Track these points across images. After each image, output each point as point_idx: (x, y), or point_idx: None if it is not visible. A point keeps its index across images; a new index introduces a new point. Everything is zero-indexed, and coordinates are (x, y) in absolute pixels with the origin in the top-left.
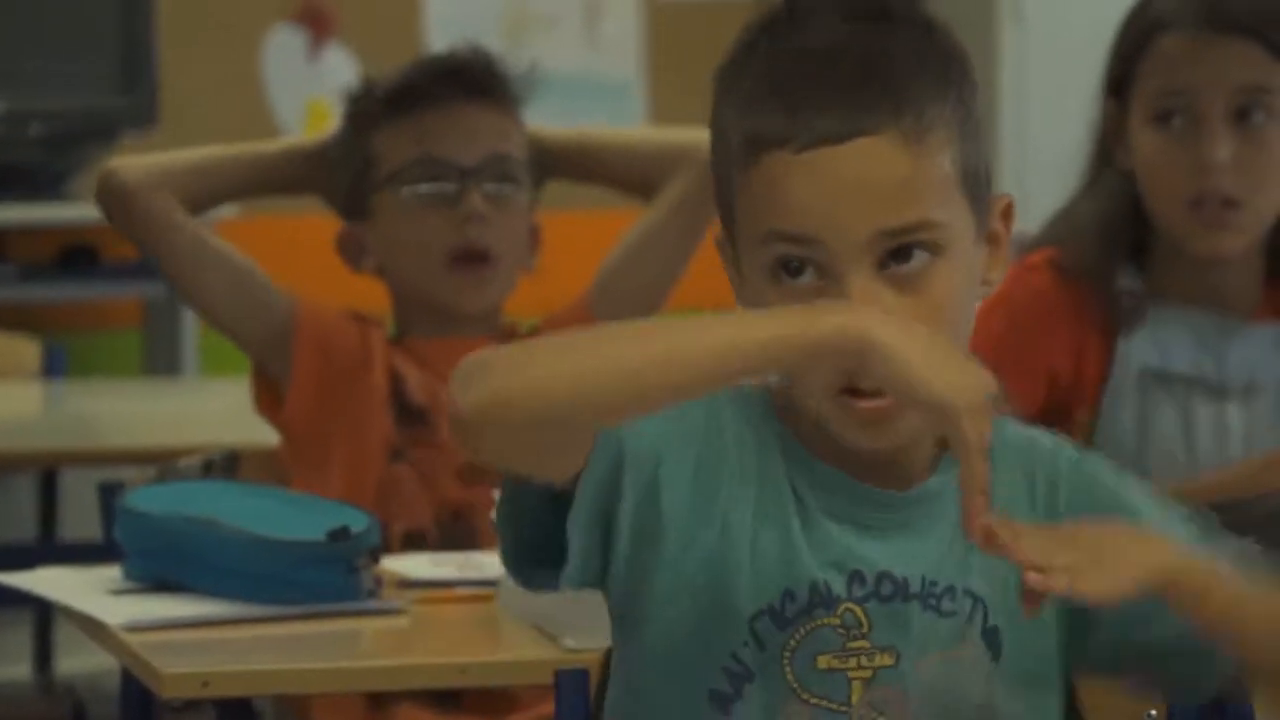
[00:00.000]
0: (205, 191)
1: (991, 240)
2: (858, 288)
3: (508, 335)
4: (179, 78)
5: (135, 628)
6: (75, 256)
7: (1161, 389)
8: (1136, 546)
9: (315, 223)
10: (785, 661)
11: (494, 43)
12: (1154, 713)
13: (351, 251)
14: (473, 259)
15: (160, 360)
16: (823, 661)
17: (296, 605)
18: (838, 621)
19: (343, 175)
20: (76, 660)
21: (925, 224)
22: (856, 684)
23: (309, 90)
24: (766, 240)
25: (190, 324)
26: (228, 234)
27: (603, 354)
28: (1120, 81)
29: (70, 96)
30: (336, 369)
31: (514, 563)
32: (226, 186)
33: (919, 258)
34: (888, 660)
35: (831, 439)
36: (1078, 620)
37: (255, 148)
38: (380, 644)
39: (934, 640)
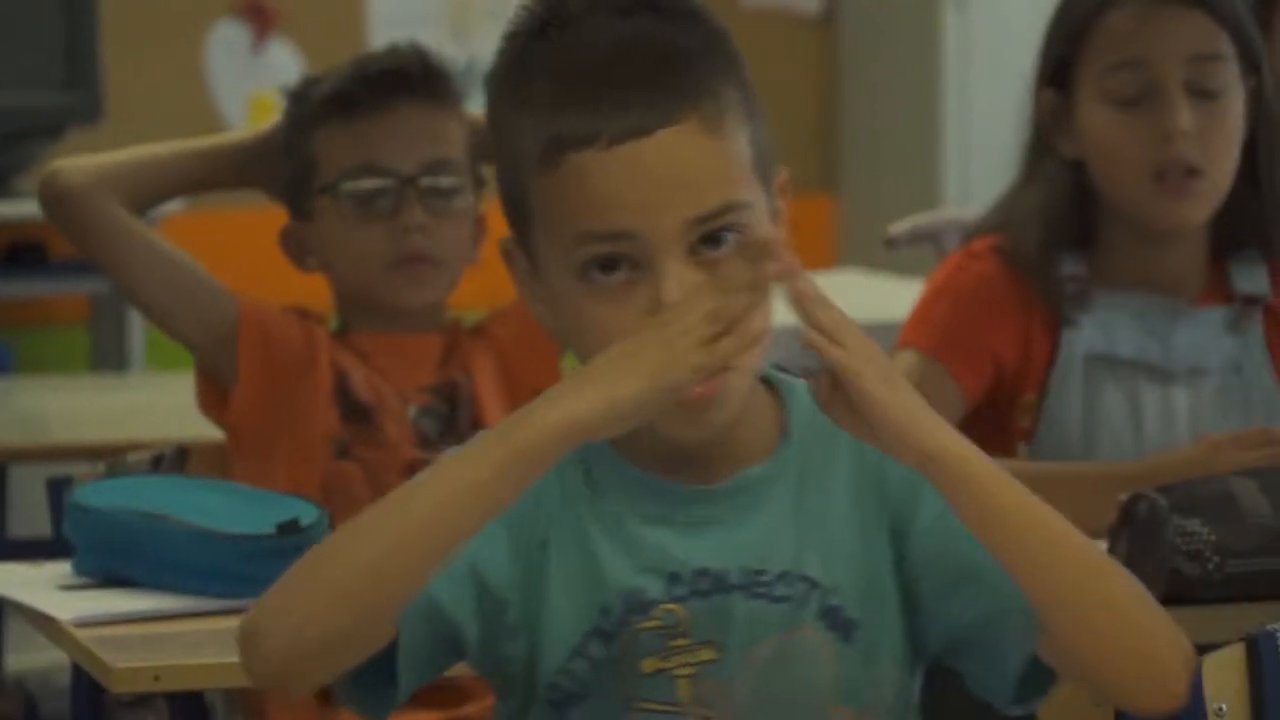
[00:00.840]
0: (148, 191)
1: (775, 215)
2: (673, 276)
3: (452, 331)
4: (124, 74)
5: (85, 623)
6: (22, 253)
7: (1108, 373)
8: (922, 416)
9: (260, 216)
10: (615, 674)
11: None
12: None
13: (294, 250)
14: (413, 261)
15: (108, 356)
16: (648, 665)
17: (247, 599)
18: (657, 623)
19: (285, 173)
20: (27, 656)
21: (732, 206)
22: (683, 682)
23: (253, 85)
24: (577, 241)
25: (137, 320)
26: (172, 229)
27: (362, 556)
28: (1060, 68)
29: (15, 94)
30: (280, 366)
31: (349, 697)
32: (169, 184)
33: (729, 241)
34: (710, 654)
35: (642, 440)
36: (907, 603)
37: (196, 144)
38: None
39: (763, 628)
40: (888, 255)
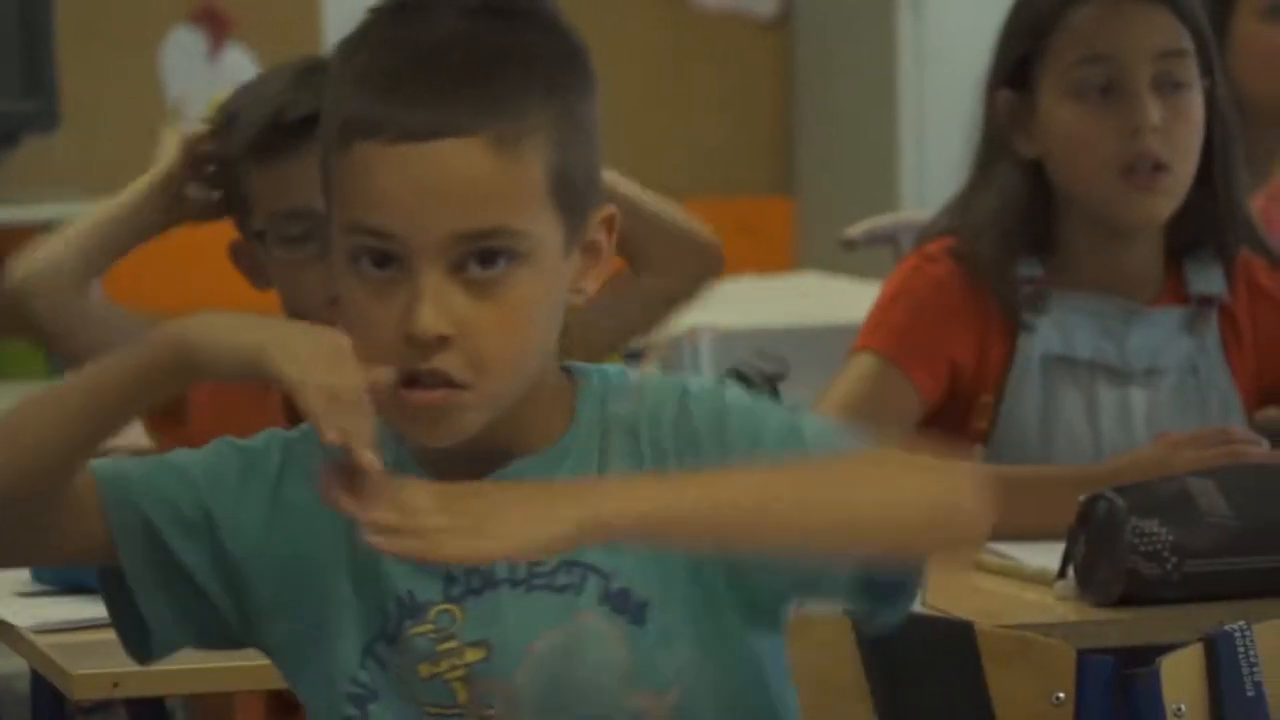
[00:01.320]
0: (95, 266)
1: (589, 249)
2: (429, 287)
3: None
4: (80, 80)
5: (44, 629)
6: None
7: (1065, 374)
8: (544, 505)
9: (214, 224)
10: (399, 679)
11: None
12: (1061, 695)
13: (247, 267)
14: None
15: (65, 364)
16: (423, 670)
17: None
18: (430, 627)
19: (221, 196)
20: None
21: (504, 231)
22: (456, 685)
23: (210, 91)
24: (350, 229)
25: None
26: None
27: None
28: (1019, 66)
29: None
30: (233, 391)
31: (124, 644)
32: (114, 252)
33: (500, 265)
34: (479, 654)
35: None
36: (730, 571)
37: (125, 201)
38: None
39: (541, 619)
40: (846, 257)
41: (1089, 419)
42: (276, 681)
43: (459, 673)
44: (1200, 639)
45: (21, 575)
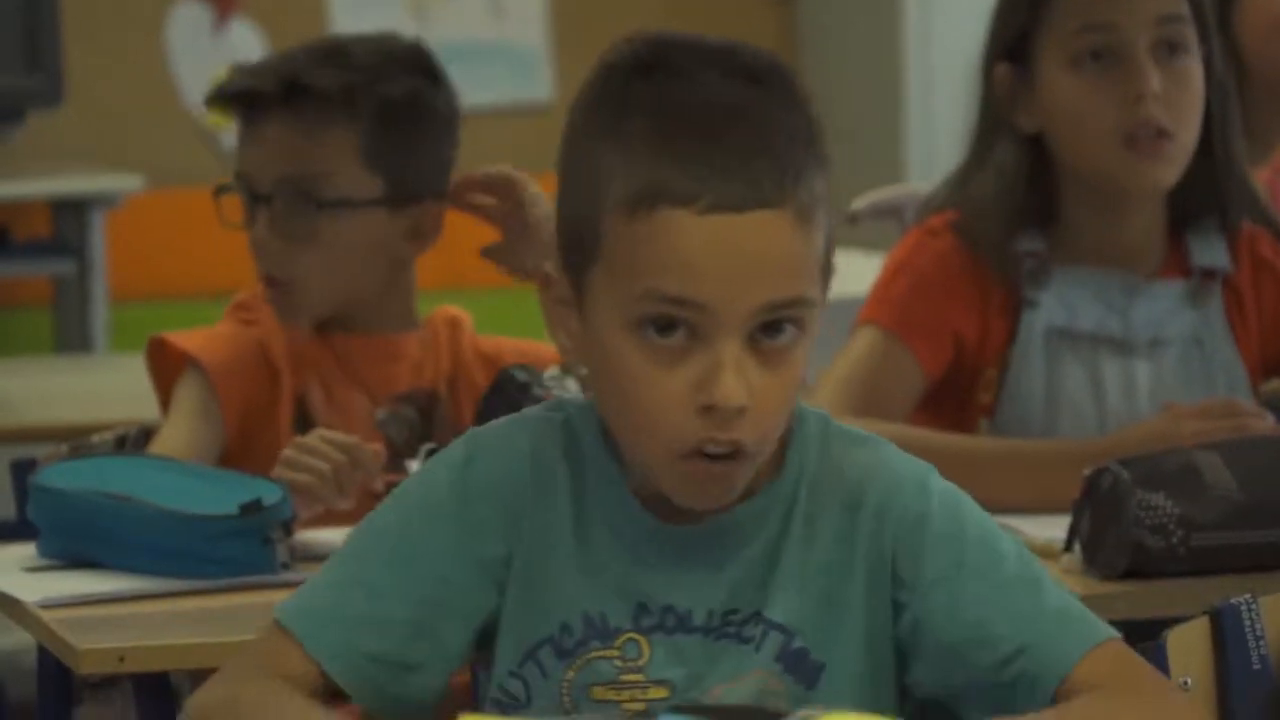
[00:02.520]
0: None
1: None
2: (732, 355)
3: (433, 331)
4: (84, 56)
5: (51, 604)
6: None
7: (1068, 348)
8: None
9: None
10: (564, 693)
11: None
12: None
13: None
14: (268, 282)
15: (71, 338)
16: (597, 693)
17: (211, 579)
18: (616, 653)
19: None
20: None
21: (802, 301)
22: (633, 717)
23: (214, 65)
24: (645, 296)
25: (101, 301)
26: (134, 210)
27: None
28: (1017, 39)
29: None
30: (249, 414)
31: None
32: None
33: (787, 333)
34: (662, 693)
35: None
36: (903, 650)
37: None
38: None
39: (718, 670)
40: (850, 230)
41: (1093, 392)
42: None
43: (639, 705)
44: (1206, 612)
45: (27, 550)
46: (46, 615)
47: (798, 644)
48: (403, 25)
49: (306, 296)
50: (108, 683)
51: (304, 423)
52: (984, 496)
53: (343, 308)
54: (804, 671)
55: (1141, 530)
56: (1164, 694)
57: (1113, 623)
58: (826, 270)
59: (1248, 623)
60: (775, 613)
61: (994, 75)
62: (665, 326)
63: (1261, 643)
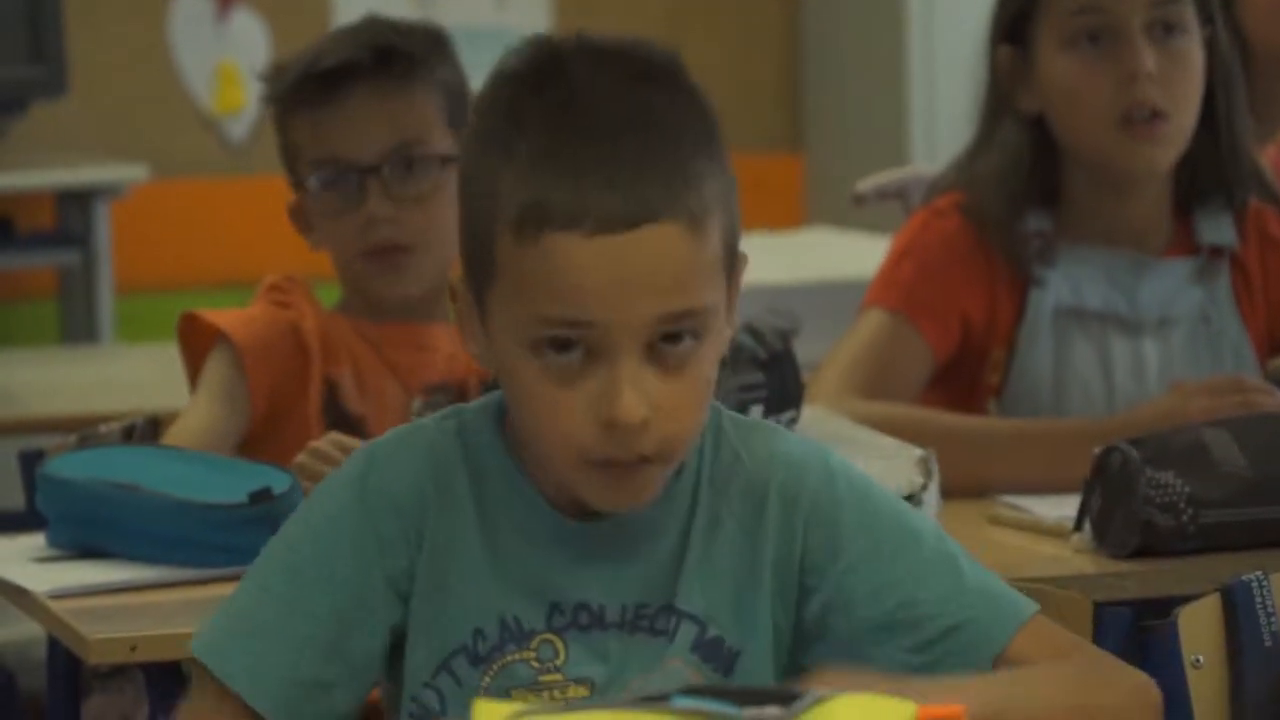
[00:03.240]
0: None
1: (731, 309)
2: (628, 371)
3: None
4: (87, 46)
5: (60, 595)
6: None
7: (1076, 327)
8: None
9: (222, 186)
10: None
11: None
12: None
13: (301, 225)
14: (384, 252)
15: (78, 328)
16: (516, 696)
17: (221, 568)
18: (533, 655)
19: (280, 152)
20: (2, 630)
21: (697, 310)
22: None
23: (217, 55)
24: (537, 320)
25: (107, 291)
26: (138, 200)
27: None
28: (1016, 21)
29: None
30: (278, 397)
31: None
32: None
33: (686, 342)
34: (582, 691)
35: (541, 465)
36: (806, 633)
37: None
38: None
39: (634, 664)
40: (855, 212)
41: (1101, 371)
42: None
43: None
44: (1217, 589)
45: (37, 540)
46: (56, 605)
47: (712, 633)
48: (407, 13)
49: (426, 259)
50: (118, 673)
51: (333, 408)
52: (993, 477)
53: (440, 275)
54: (720, 659)
55: (1151, 509)
56: (1100, 658)
57: (1123, 601)
58: (731, 266)
59: (1259, 599)
60: (686, 604)
61: (995, 57)
62: (562, 347)
63: (1273, 619)
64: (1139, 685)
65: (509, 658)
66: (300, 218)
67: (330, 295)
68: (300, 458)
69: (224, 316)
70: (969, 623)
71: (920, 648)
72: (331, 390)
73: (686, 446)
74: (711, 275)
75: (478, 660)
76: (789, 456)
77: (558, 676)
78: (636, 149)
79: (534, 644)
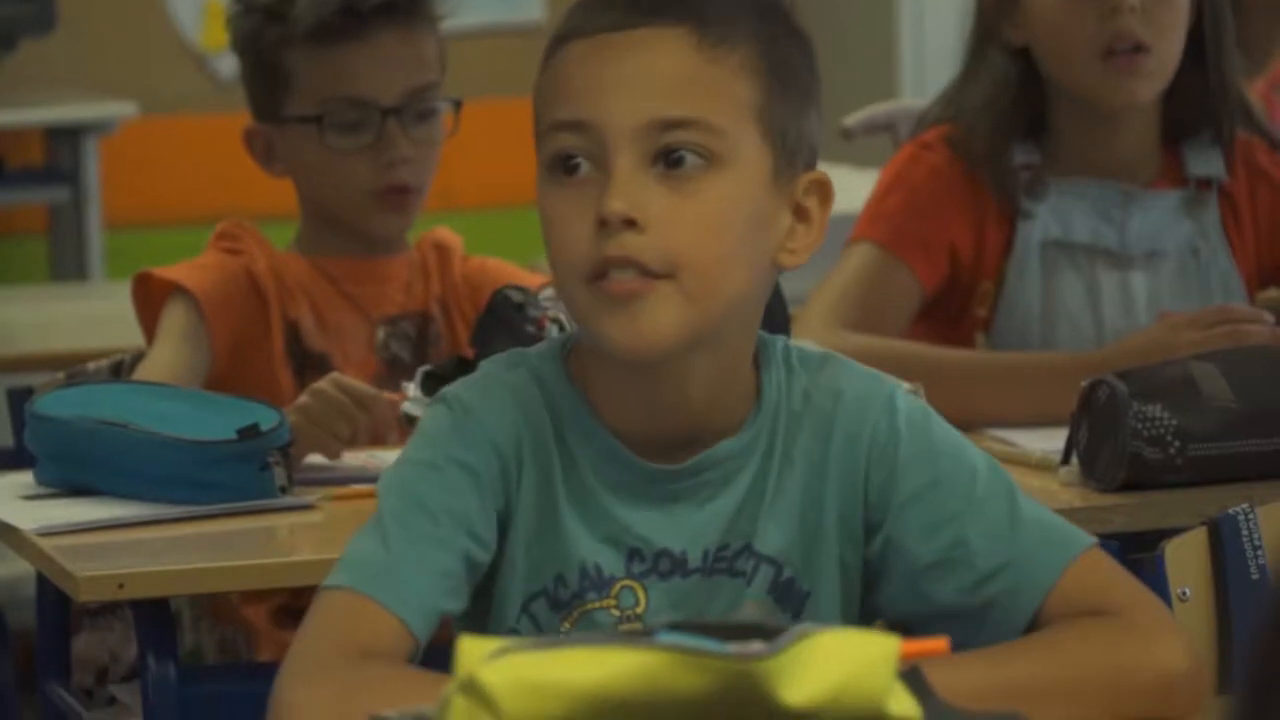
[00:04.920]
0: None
1: (800, 215)
2: (621, 172)
3: (422, 250)
4: None
5: (49, 532)
6: None
7: (1065, 259)
8: None
9: (211, 122)
10: None
11: None
12: None
13: (261, 153)
14: (396, 192)
15: (67, 265)
16: None
17: (209, 504)
18: (613, 602)
19: (252, 78)
20: None
21: (702, 124)
22: None
23: None
24: (547, 134)
25: (96, 227)
26: (126, 138)
27: None
28: None
29: None
30: (241, 343)
31: None
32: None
33: (692, 162)
34: None
35: (616, 406)
36: (873, 570)
37: None
38: (295, 540)
39: (714, 607)
40: (845, 146)
41: (1090, 304)
42: (277, 579)
43: None
44: (1204, 522)
45: (25, 478)
46: (44, 543)
47: (786, 574)
48: None
49: (420, 200)
50: (107, 610)
51: (296, 348)
52: (981, 410)
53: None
54: (793, 600)
55: (1139, 442)
56: (1139, 606)
57: (1111, 534)
58: (777, 134)
59: (1245, 532)
60: (764, 545)
61: None
62: (570, 164)
63: (1259, 552)
64: (1173, 653)
65: (589, 604)
66: (260, 146)
67: (288, 236)
68: (303, 399)
69: (177, 271)
70: (1021, 559)
71: (973, 586)
72: (292, 330)
73: (700, 273)
74: (727, 104)
75: (558, 605)
76: (854, 392)
77: (637, 625)
78: None
79: (614, 591)
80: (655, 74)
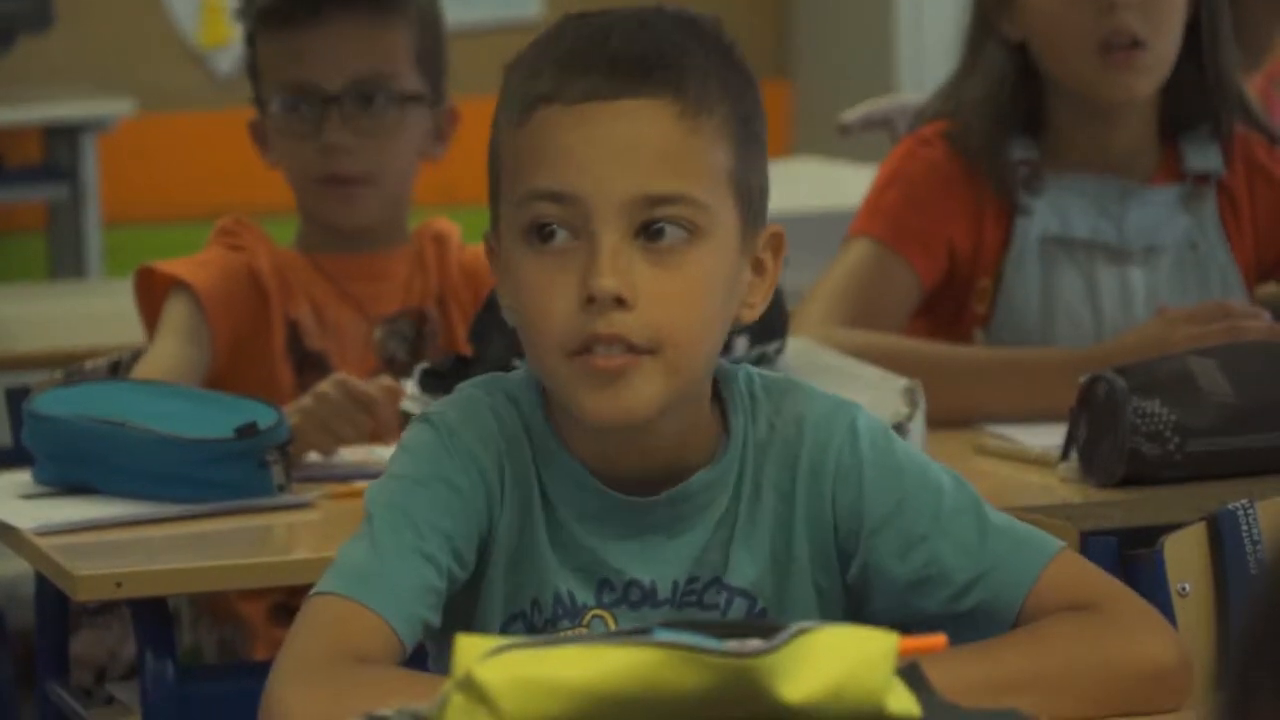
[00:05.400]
0: None
1: (757, 268)
2: (609, 247)
3: (420, 246)
4: None
5: (47, 531)
6: None
7: (1063, 255)
8: None
9: (208, 119)
10: None
11: None
12: None
13: (260, 142)
14: (339, 182)
15: (66, 262)
16: None
17: (207, 503)
18: (585, 630)
19: (246, 67)
20: None
21: (687, 199)
22: None
23: None
24: (525, 199)
25: (94, 225)
26: (124, 135)
27: None
28: None
29: None
30: (241, 338)
31: None
32: None
33: (674, 234)
34: None
35: (589, 438)
36: (856, 593)
37: None
38: (292, 538)
39: None
40: (842, 142)
41: (1089, 299)
42: (276, 578)
43: None
44: (1203, 518)
45: (22, 477)
46: (43, 542)
47: (759, 607)
48: None
49: (376, 193)
50: (105, 609)
51: (296, 347)
52: (980, 406)
53: (388, 209)
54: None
55: (1138, 438)
56: (1120, 600)
57: (1110, 530)
58: (745, 197)
59: (1244, 527)
60: (735, 577)
61: None
62: (549, 231)
63: (1259, 547)
64: (1159, 644)
65: (562, 630)
66: (260, 135)
67: (286, 232)
68: (305, 400)
69: (179, 266)
70: (994, 569)
71: (954, 598)
72: (293, 328)
73: (681, 347)
74: (708, 176)
75: (533, 629)
76: (815, 418)
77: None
78: (636, 45)
79: (585, 619)
80: (641, 147)
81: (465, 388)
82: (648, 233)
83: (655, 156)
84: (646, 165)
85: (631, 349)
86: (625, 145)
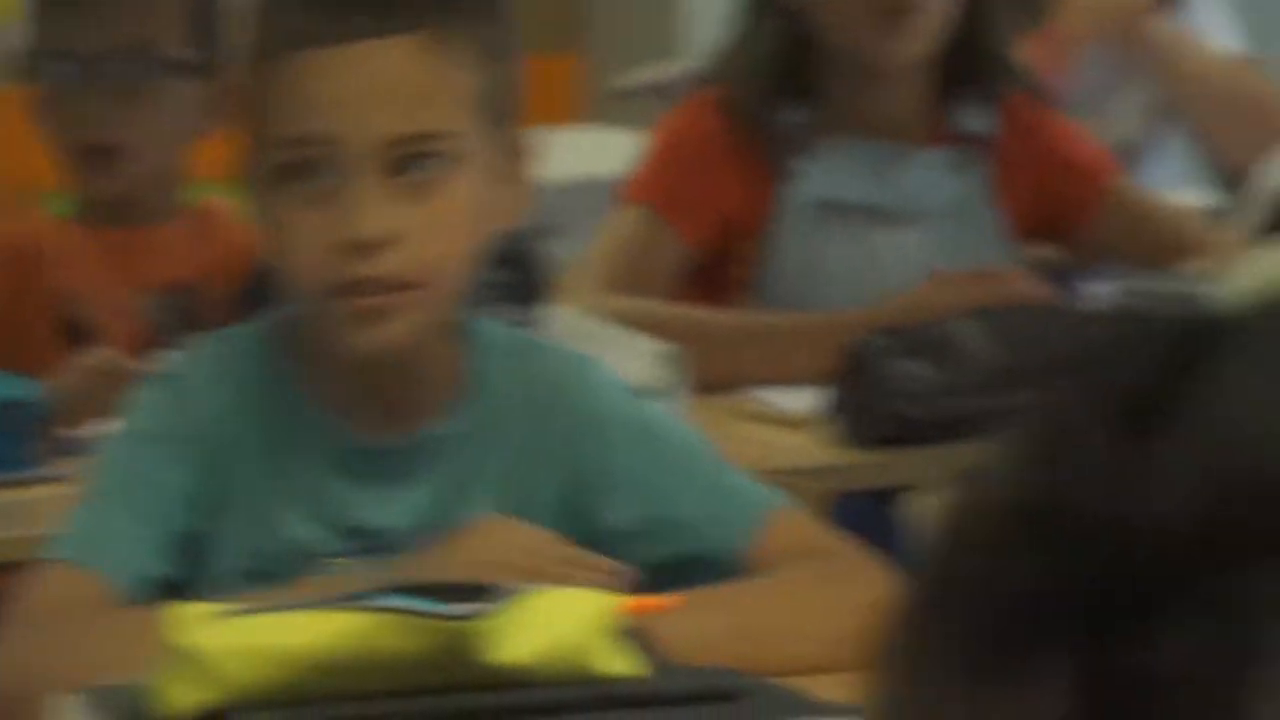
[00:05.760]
0: None
1: (510, 179)
2: (367, 189)
3: (201, 220)
4: None
5: None
6: None
7: (836, 220)
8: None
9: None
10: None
11: None
12: None
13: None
14: (90, 151)
15: None
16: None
17: None
18: (326, 576)
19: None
20: None
21: (440, 133)
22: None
23: None
24: (278, 145)
25: None
26: None
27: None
28: None
29: None
30: (6, 309)
31: None
32: None
33: (431, 167)
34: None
35: (332, 379)
36: (597, 545)
37: None
38: (54, 511)
39: None
40: (624, 110)
41: (862, 263)
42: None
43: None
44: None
45: None
46: None
47: None
48: None
49: (137, 164)
50: None
51: (64, 318)
52: (747, 371)
53: (149, 184)
54: None
55: (900, 398)
56: (843, 554)
57: (871, 491)
58: (497, 111)
59: None
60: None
61: None
62: (304, 173)
63: None
64: (880, 585)
65: (302, 579)
66: (38, 107)
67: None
68: (68, 376)
69: None
70: (714, 520)
71: (672, 549)
72: (63, 302)
73: (439, 280)
74: (459, 104)
75: (270, 579)
76: (559, 375)
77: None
78: None
79: (325, 567)
80: (391, 86)
81: (198, 341)
82: (404, 169)
83: (405, 93)
84: (397, 103)
85: (393, 288)
86: (375, 85)
